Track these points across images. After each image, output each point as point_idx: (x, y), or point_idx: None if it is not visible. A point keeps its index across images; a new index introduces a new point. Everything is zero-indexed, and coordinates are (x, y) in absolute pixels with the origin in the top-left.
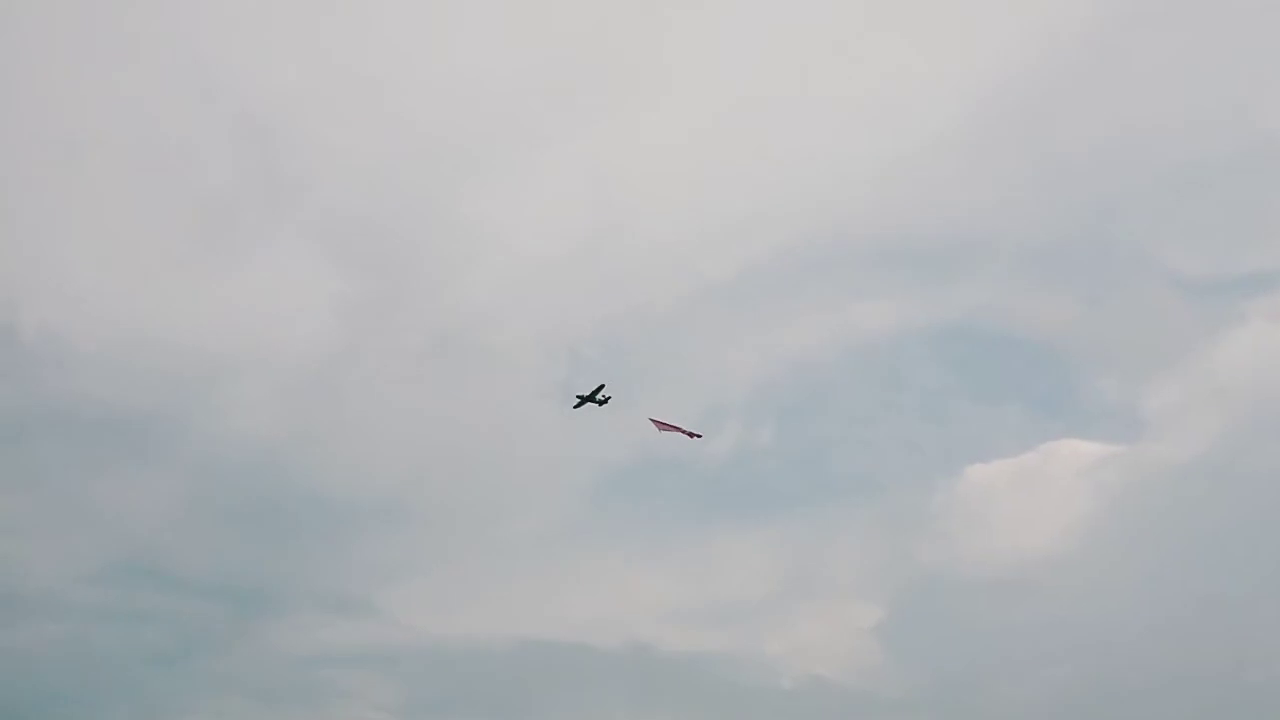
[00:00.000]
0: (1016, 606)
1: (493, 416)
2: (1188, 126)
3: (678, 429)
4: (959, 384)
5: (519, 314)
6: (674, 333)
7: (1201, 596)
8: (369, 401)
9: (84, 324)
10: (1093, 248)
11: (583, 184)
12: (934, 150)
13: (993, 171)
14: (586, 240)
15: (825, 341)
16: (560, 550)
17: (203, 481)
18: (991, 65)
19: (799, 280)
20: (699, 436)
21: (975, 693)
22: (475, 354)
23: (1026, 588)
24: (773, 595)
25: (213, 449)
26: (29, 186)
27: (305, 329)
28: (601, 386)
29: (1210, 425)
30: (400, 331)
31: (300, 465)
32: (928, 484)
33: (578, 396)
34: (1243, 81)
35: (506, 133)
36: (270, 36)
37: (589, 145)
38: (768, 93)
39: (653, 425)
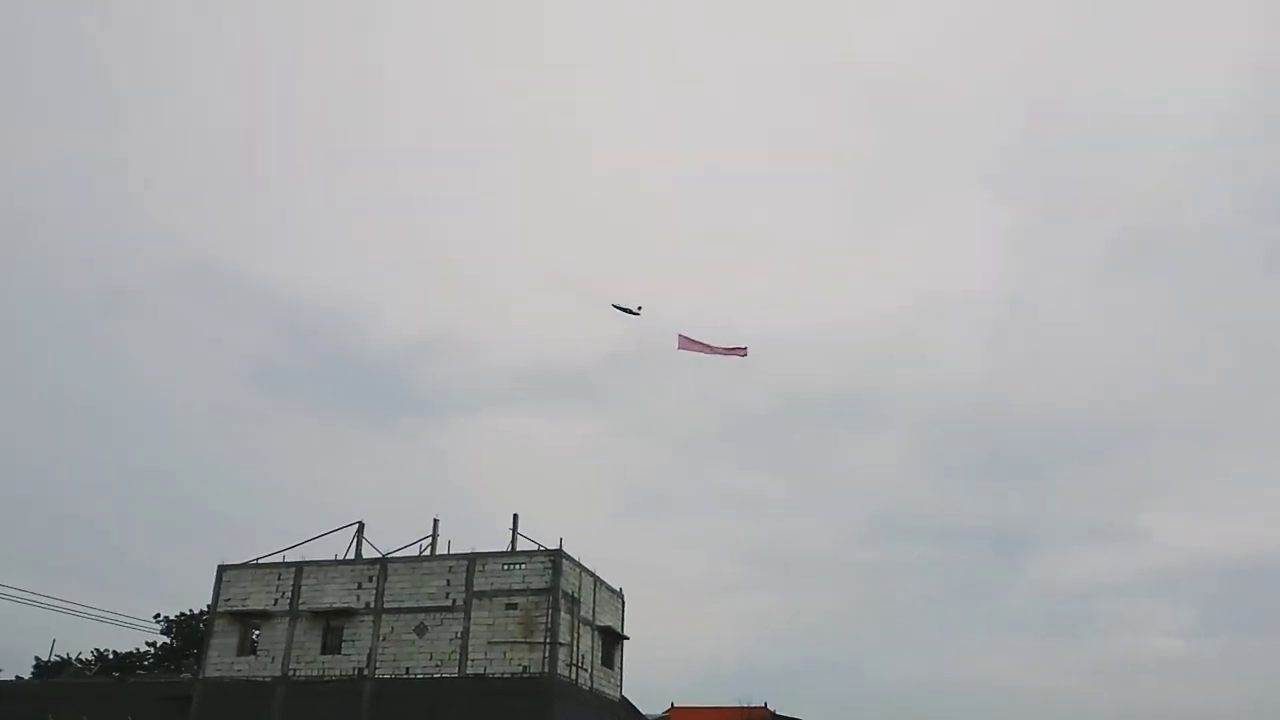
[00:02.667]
0: None
1: (1208, 301)
2: None
3: (711, 348)
4: None
5: (1211, 184)
6: None
7: None
8: (1064, 321)
9: (791, 320)
10: None
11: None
12: None
13: None
14: (1260, 84)
15: None
16: None
17: (927, 434)
18: None
19: None
20: (741, 353)
21: None
22: (1169, 242)
23: None
24: None
25: (927, 402)
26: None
27: (982, 266)
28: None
29: None
30: (1078, 242)
31: (1014, 399)
32: None
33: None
34: None
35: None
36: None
37: None
38: None
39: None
